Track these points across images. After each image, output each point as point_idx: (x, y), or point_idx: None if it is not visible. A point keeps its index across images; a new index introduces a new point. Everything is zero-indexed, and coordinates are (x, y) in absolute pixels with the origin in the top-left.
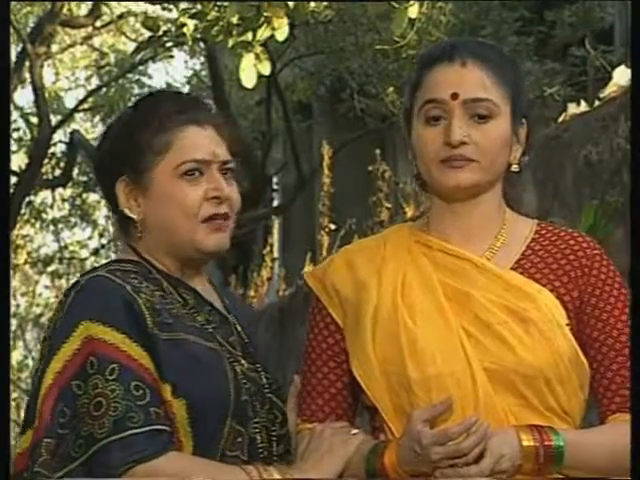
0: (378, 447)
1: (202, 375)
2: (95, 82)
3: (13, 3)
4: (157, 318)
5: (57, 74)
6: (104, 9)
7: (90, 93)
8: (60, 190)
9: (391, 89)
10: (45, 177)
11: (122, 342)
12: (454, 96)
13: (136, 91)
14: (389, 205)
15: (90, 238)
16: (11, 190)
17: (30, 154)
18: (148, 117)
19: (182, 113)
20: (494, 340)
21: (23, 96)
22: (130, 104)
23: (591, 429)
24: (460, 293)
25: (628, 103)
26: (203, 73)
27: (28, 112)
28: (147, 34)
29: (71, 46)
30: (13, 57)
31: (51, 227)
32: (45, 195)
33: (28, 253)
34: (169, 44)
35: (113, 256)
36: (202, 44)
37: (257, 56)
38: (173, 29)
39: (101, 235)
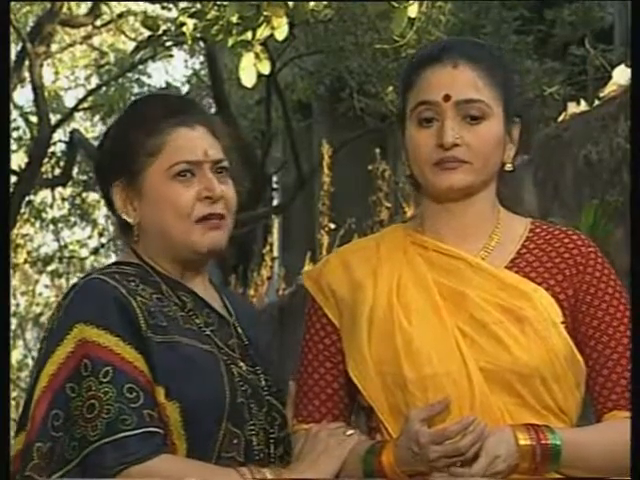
0: (375, 447)
1: (196, 378)
2: (95, 81)
3: (13, 3)
4: (152, 321)
5: (57, 73)
6: (104, 8)
7: (90, 92)
8: (60, 189)
9: (391, 88)
10: (45, 176)
11: (116, 345)
12: (446, 98)
13: (136, 90)
14: (389, 204)
15: (90, 237)
16: (11, 189)
17: (30, 153)
18: (140, 120)
19: (173, 115)
20: (490, 339)
21: (23, 95)
22: (128, 105)
23: (588, 427)
24: (455, 293)
25: (628, 102)
26: (203, 72)
27: (28, 111)
28: (147, 33)
29: (71, 45)
30: (13, 56)
31: (51, 226)
32: (45, 194)
33: (28, 252)
34: (169, 43)
35: (113, 255)
36: (202, 43)
37: (257, 55)
38: (173, 28)
39: (101, 234)
